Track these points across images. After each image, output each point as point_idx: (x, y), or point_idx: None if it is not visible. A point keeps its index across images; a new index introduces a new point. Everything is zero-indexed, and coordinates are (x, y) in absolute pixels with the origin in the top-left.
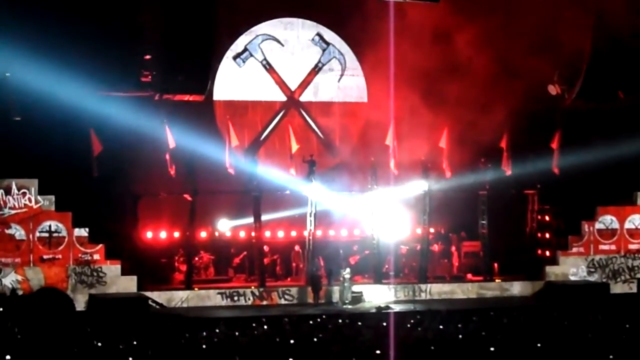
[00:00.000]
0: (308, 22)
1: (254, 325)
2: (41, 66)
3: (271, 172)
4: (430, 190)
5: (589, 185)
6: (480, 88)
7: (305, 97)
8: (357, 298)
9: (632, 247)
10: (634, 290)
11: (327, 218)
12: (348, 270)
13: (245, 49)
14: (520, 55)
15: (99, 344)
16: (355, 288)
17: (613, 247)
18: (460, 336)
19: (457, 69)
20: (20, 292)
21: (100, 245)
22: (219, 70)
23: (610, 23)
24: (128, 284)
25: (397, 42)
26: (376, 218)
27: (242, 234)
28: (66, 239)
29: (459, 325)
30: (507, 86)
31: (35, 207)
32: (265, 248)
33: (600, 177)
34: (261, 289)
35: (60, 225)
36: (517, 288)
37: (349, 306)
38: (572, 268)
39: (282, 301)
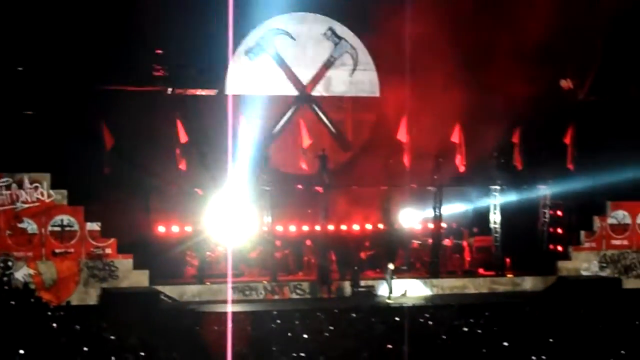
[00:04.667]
0: (320, 16)
1: (266, 320)
2: (53, 60)
3: (283, 167)
4: (442, 184)
5: (601, 180)
6: (493, 83)
7: (317, 91)
8: (369, 292)
9: None
10: None
11: (339, 212)
12: (391, 265)
13: (257, 44)
14: (534, 48)
15: (111, 337)
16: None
17: (625, 242)
18: (472, 331)
19: (470, 63)
20: (32, 286)
21: (112, 240)
22: (231, 65)
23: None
24: (140, 278)
25: (410, 36)
26: (387, 212)
27: (254, 229)
28: (78, 233)
29: (471, 320)
30: (520, 80)
31: (47, 201)
32: (277, 242)
33: (613, 172)
34: (273, 283)
35: (72, 219)
36: (528, 283)
37: (391, 301)
38: (584, 263)
39: (294, 295)
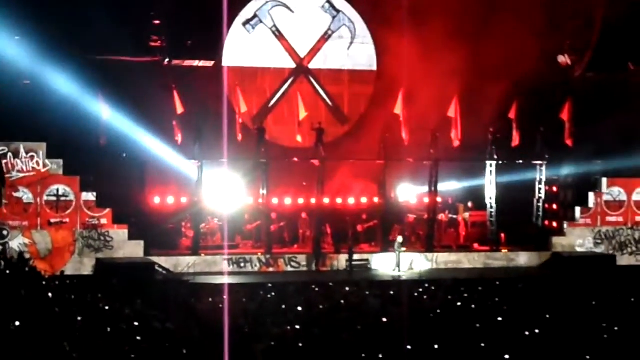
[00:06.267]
0: None
1: (261, 292)
2: (50, 29)
3: (279, 139)
4: (439, 159)
5: (597, 156)
6: (490, 58)
7: (314, 64)
8: (363, 266)
9: (639, 219)
10: None
11: (335, 186)
12: (400, 238)
13: (255, 15)
14: (532, 24)
15: (106, 308)
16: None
17: (620, 219)
18: (466, 306)
19: (468, 37)
20: (27, 256)
21: (108, 210)
22: (229, 37)
23: None
24: (135, 249)
25: (408, 10)
26: (383, 186)
27: (250, 201)
28: (74, 203)
29: (465, 295)
30: (517, 56)
31: (43, 170)
32: (273, 215)
33: (609, 149)
34: (268, 256)
35: (67, 189)
36: (523, 258)
37: (399, 273)
38: (579, 239)
39: (289, 268)
